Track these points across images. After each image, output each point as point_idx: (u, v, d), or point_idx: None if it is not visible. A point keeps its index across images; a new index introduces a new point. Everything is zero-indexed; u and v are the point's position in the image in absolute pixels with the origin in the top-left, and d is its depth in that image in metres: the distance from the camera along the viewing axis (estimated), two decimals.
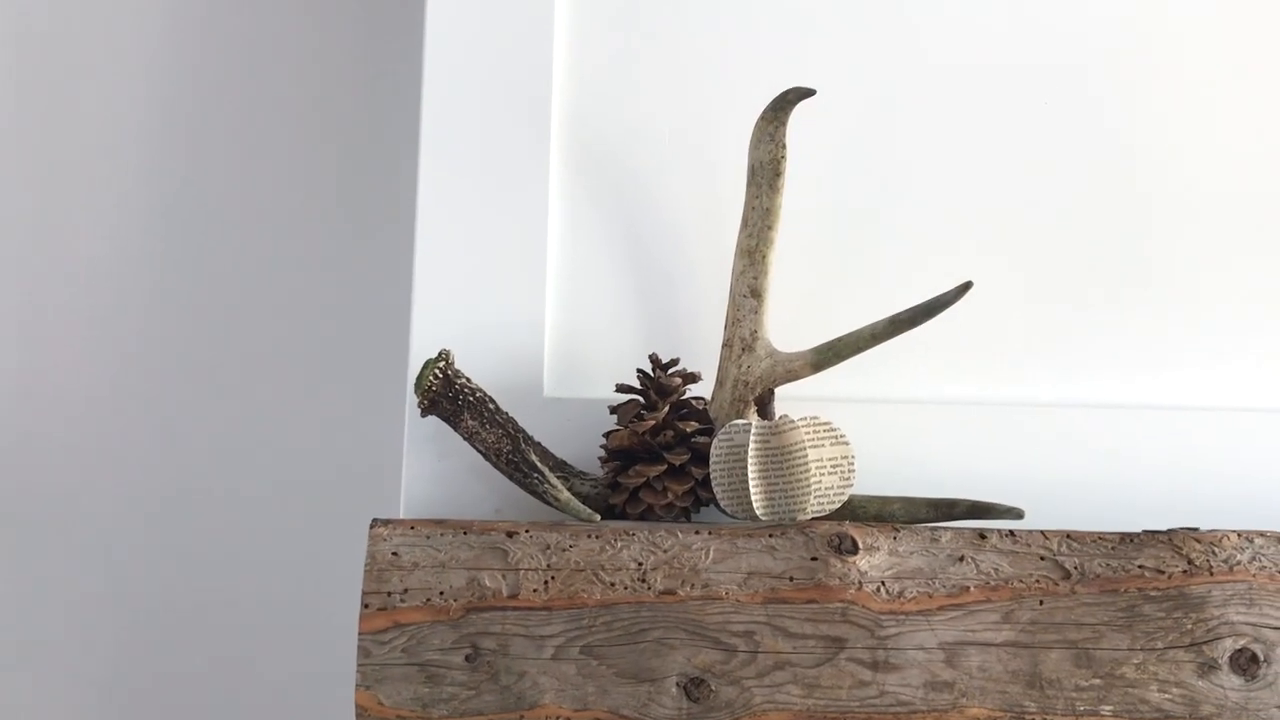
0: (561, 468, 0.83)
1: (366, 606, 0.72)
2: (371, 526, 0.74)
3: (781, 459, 0.79)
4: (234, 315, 0.99)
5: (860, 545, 0.75)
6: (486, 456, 0.81)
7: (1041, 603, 0.75)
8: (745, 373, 0.84)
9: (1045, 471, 0.86)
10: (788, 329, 0.86)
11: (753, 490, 0.78)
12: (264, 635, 0.96)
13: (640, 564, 0.74)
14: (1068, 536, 0.77)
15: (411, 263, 0.90)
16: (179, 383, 0.99)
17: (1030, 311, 0.91)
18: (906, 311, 0.80)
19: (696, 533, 0.75)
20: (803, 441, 0.78)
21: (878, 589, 0.74)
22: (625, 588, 0.73)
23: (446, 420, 0.81)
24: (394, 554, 0.73)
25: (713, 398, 0.85)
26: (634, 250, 0.92)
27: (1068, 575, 0.75)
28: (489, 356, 0.88)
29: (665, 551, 0.74)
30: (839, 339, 0.82)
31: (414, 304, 0.89)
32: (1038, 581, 0.75)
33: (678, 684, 0.71)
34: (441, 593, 0.72)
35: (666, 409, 0.79)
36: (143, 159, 1.01)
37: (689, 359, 0.87)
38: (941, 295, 0.79)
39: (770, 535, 0.75)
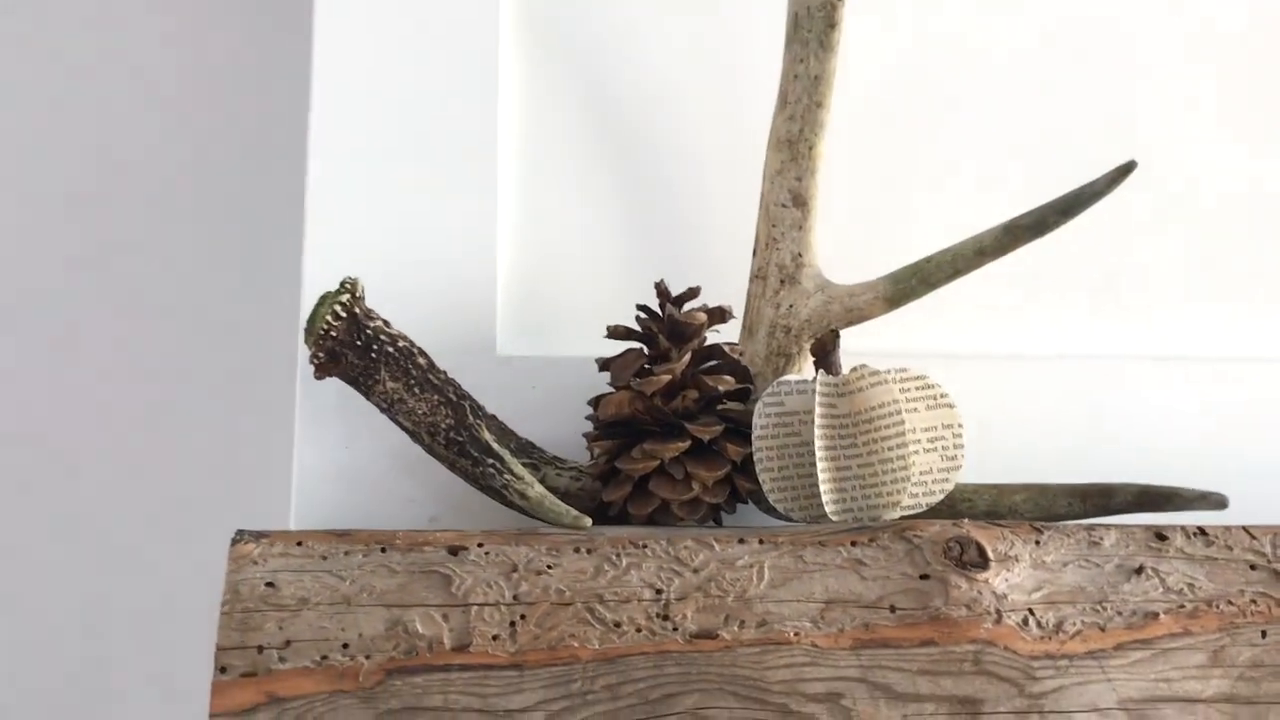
0: (527, 451, 0.56)
1: (223, 671, 0.44)
2: (234, 543, 0.47)
3: (855, 430, 0.53)
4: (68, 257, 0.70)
5: (991, 555, 0.49)
6: (416, 436, 0.54)
7: (1264, 634, 0.49)
8: (787, 314, 0.58)
9: (1227, 443, 0.61)
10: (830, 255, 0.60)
11: (822, 476, 0.52)
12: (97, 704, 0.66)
13: (660, 592, 0.47)
14: None
15: (304, 174, 0.62)
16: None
17: (1182, 236, 0.66)
18: (1032, 213, 0.55)
19: (741, 541, 0.49)
20: (897, 402, 0.52)
21: (1024, 620, 0.48)
22: (639, 629, 0.47)
23: (355, 384, 0.54)
24: (269, 585, 0.46)
25: (740, 353, 0.59)
26: (616, 152, 0.66)
27: None
28: (418, 302, 0.61)
29: (696, 572, 0.48)
30: (928, 259, 0.57)
31: (307, 231, 0.62)
32: (1253, 601, 0.50)
33: None
34: (346, 645, 0.45)
35: (687, 358, 0.53)
36: None
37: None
38: (1087, 186, 0.54)
39: (853, 543, 0.49)
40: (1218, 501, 0.51)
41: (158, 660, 0.64)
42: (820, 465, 0.52)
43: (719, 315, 0.55)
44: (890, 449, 0.52)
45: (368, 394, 0.54)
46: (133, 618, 0.64)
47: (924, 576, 0.49)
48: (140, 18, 0.68)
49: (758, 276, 0.60)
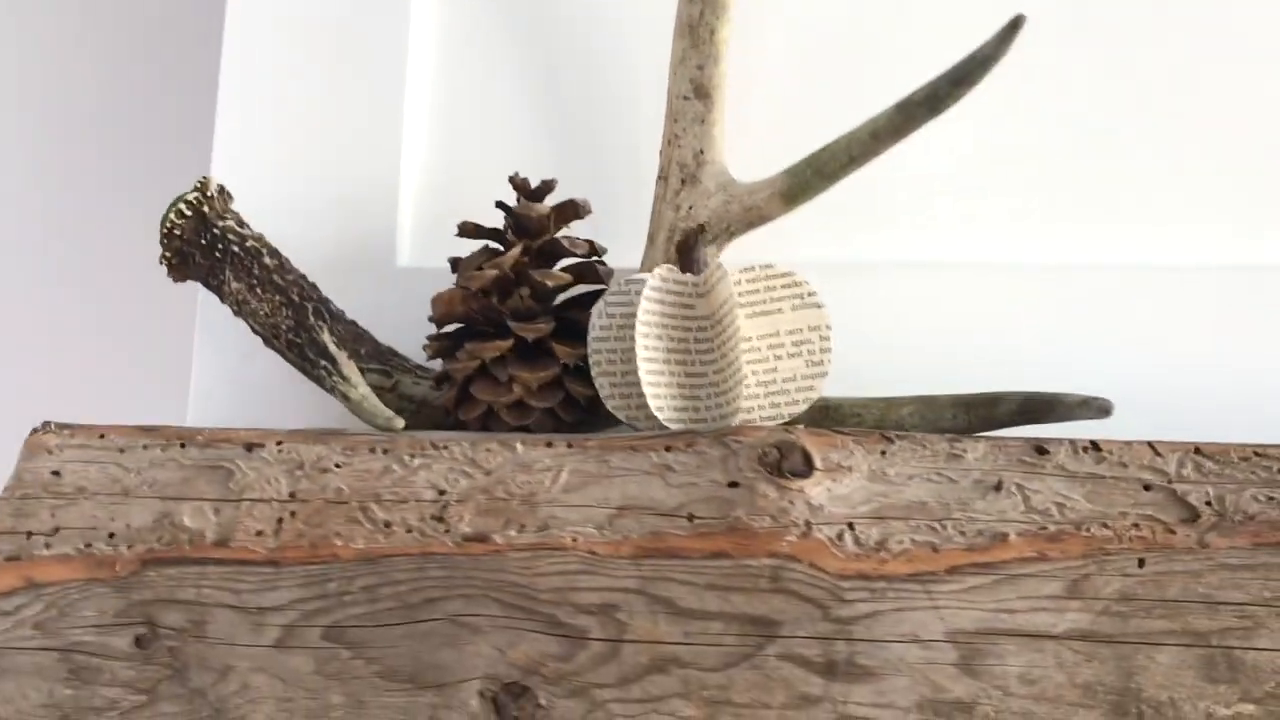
0: (383, 358, 0.54)
1: None
2: (32, 432, 0.47)
3: (712, 333, 0.49)
4: None
5: (818, 463, 0.43)
6: (265, 339, 0.53)
7: (1142, 564, 0.42)
8: (687, 216, 0.54)
9: (1135, 354, 0.52)
10: (750, 159, 0.55)
11: (646, 378, 0.47)
12: None
13: (443, 493, 0.44)
14: (1196, 451, 0.43)
15: (215, 85, 0.62)
16: None
17: (1094, 137, 0.57)
18: (924, 87, 0.48)
19: (549, 445, 0.45)
20: (730, 299, 0.47)
21: (839, 535, 0.42)
22: (409, 531, 0.44)
23: (207, 285, 0.53)
24: (54, 474, 0.46)
25: (644, 259, 0.55)
26: (530, 57, 0.62)
27: (1194, 516, 0.42)
28: (319, 213, 0.60)
29: (489, 474, 0.45)
30: (823, 149, 0.51)
31: (216, 142, 0.62)
32: (1135, 526, 0.42)
33: (482, 694, 0.42)
34: (112, 535, 0.44)
35: (516, 252, 0.49)
36: None
37: (619, 218, 0.57)
38: (977, 50, 0.47)
39: (667, 448, 0.45)
40: (1100, 408, 0.44)
41: None
42: (645, 368, 0.47)
43: (572, 210, 0.51)
44: (731, 349, 0.47)
45: (220, 296, 0.53)
46: None
47: (733, 484, 0.43)
48: None
49: (661, 177, 0.55)
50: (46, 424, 0.48)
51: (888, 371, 0.54)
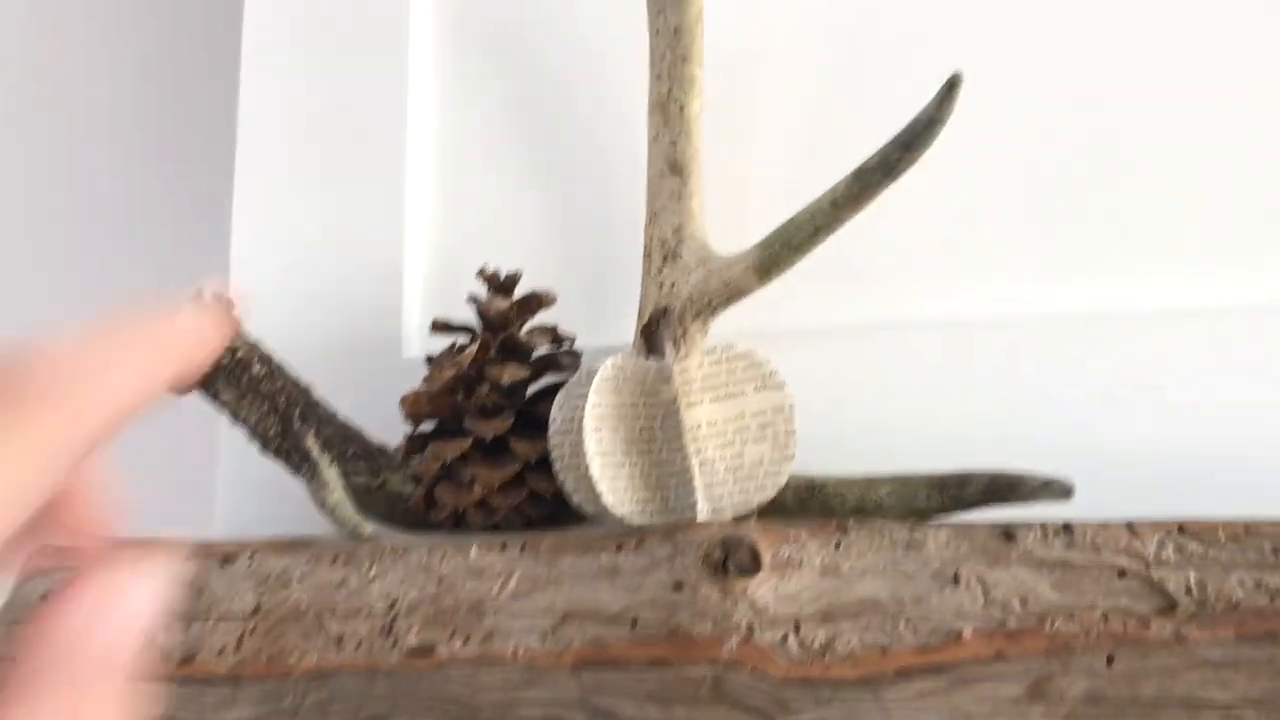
0: (374, 457, 0.55)
1: None
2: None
3: (679, 420, 0.48)
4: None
5: (765, 561, 0.42)
6: (260, 445, 0.54)
7: (1111, 661, 0.38)
8: (669, 294, 0.53)
9: (1114, 424, 0.48)
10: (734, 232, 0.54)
11: (598, 473, 0.46)
12: None
13: (394, 604, 0.44)
14: (1179, 530, 0.40)
15: (231, 180, 0.64)
16: None
17: (1072, 187, 0.53)
18: (875, 155, 0.46)
19: (503, 548, 0.45)
20: (690, 383, 0.46)
21: (783, 639, 0.40)
22: (359, 645, 0.44)
23: (204, 395, 0.55)
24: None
25: (634, 339, 0.54)
26: (532, 148, 0.62)
27: (1170, 606, 0.39)
28: (326, 303, 0.62)
29: (440, 581, 0.44)
30: (789, 220, 0.50)
31: (234, 239, 0.64)
32: (1104, 618, 0.39)
33: None
34: None
35: (475, 349, 0.49)
36: None
37: (627, 298, 0.56)
38: (920, 113, 0.45)
39: (618, 548, 0.44)
40: (1061, 490, 0.41)
41: None
42: (595, 461, 0.46)
43: (537, 301, 0.51)
44: (685, 436, 0.46)
45: (218, 406, 0.55)
46: None
47: (678, 586, 0.42)
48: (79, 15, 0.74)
49: (645, 255, 0.54)
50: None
51: (868, 440, 0.51)
